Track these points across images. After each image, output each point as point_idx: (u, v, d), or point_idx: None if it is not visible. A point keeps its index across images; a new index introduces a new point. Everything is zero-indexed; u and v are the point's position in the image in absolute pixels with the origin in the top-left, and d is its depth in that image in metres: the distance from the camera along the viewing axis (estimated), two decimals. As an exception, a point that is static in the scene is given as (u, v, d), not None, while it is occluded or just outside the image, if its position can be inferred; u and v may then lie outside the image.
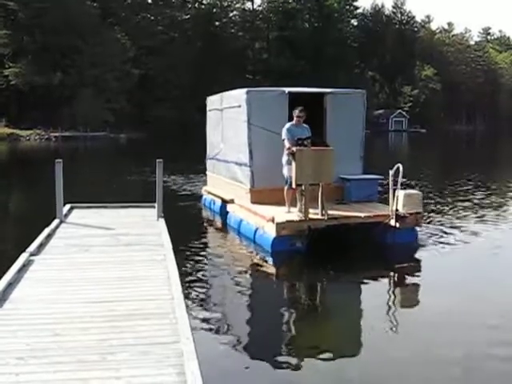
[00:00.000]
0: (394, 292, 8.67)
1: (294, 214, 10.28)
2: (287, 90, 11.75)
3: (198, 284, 8.50)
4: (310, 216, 10.04)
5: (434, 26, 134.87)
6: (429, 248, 10.64)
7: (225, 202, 13.05)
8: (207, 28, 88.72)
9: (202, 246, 11.16)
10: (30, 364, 4.26)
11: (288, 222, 9.95)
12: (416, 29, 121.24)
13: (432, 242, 11.03)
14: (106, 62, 69.08)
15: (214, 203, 14.20)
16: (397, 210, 10.20)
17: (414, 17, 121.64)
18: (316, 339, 6.61)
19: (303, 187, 9.99)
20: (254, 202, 11.52)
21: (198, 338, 5.77)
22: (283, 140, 10.43)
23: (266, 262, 9.76)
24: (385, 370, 5.79)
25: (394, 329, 7.02)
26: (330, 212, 10.26)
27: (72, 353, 4.45)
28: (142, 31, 79.34)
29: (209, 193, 14.93)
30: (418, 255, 10.26)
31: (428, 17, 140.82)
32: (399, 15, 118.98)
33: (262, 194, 11.43)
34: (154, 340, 4.72)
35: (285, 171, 10.57)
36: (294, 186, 10.08)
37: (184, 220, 13.91)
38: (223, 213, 13.07)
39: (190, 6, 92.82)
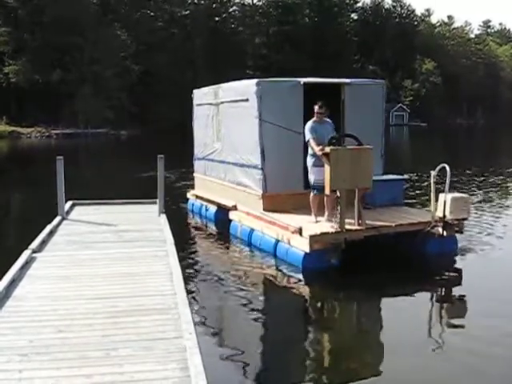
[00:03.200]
0: (439, 310, 7.68)
1: (326, 225, 8.99)
2: (302, 80, 10.52)
3: (200, 279, 8.51)
4: (346, 226, 8.75)
5: (434, 19, 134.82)
6: (471, 256, 9.66)
7: (223, 209, 11.71)
8: (207, 23, 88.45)
9: (202, 252, 10.52)
10: (34, 361, 4.27)
11: (322, 234, 8.62)
12: (416, 22, 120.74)
13: (473, 249, 10.00)
14: (106, 59, 68.93)
15: (206, 209, 12.81)
16: (444, 216, 9.06)
17: (413, 10, 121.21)
18: (348, 358, 6.10)
19: (338, 193, 8.66)
20: (266, 209, 10.19)
21: (200, 333, 5.80)
22: (307, 141, 9.26)
23: (292, 277, 8.59)
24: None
25: (437, 350, 6.18)
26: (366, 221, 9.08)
27: (75, 349, 4.46)
28: (142, 27, 79.14)
29: (198, 197, 13.49)
30: (461, 265, 9.27)
31: (428, 10, 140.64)
32: (399, 9, 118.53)
33: (276, 200, 10.16)
34: (156, 335, 4.73)
35: (311, 175, 9.38)
36: (327, 191, 8.69)
37: (185, 216, 13.84)
38: (220, 220, 11.85)
39: (189, 1, 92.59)
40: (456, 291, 8.18)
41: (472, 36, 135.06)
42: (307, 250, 8.52)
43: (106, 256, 7.42)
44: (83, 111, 64.74)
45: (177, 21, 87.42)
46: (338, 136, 9.20)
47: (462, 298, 7.95)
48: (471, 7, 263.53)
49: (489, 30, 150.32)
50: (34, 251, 7.44)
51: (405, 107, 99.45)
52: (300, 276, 8.55)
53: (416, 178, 19.28)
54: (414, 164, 26.48)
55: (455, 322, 7.14)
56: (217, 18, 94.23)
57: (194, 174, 14.18)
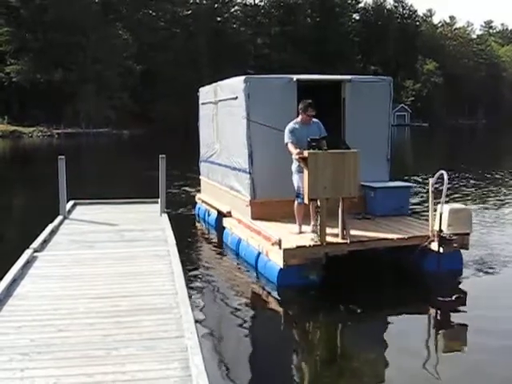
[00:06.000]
0: (435, 335, 6.66)
1: (307, 237, 8.09)
2: (295, 77, 9.56)
3: (201, 279, 8.51)
4: (328, 239, 7.80)
5: (435, 19, 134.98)
6: (479, 276, 8.39)
7: (221, 215, 10.90)
8: (209, 23, 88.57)
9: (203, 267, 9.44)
10: (35, 360, 4.27)
11: (299, 248, 7.69)
12: (418, 23, 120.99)
13: (483, 268, 8.71)
14: (108, 58, 69.16)
15: (208, 214, 11.97)
16: (440, 230, 7.92)
17: (415, 11, 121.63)
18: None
19: (318, 202, 7.79)
20: (255, 217, 9.31)
21: (201, 332, 5.81)
22: (286, 144, 8.34)
23: (272, 296, 7.67)
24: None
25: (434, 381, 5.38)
26: (353, 232, 8.10)
27: (77, 348, 4.46)
28: (144, 27, 79.32)
29: (203, 201, 12.60)
30: (464, 286, 8.05)
31: (430, 10, 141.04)
32: (401, 9, 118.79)
33: (266, 208, 9.27)
34: (158, 335, 4.73)
35: (295, 181, 8.45)
36: (306, 200, 7.87)
37: (191, 220, 13.62)
38: (219, 227, 10.88)
39: (191, 1, 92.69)
40: (455, 317, 6.98)
41: (474, 36, 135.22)
42: (281, 265, 7.60)
43: (107, 255, 7.42)
44: (85, 111, 64.89)
45: (179, 21, 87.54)
46: (319, 138, 8.03)
47: (461, 325, 6.80)
48: (473, 8, 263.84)
49: (491, 31, 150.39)
50: (35, 250, 7.45)
51: (406, 107, 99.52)
52: (276, 293, 7.68)
53: (426, 181, 17.98)
54: (418, 166, 25.70)
55: (449, 355, 6.11)
56: (219, 18, 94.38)
57: (200, 177, 13.38)
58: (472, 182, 19.83)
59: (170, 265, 6.82)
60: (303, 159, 7.75)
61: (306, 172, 7.69)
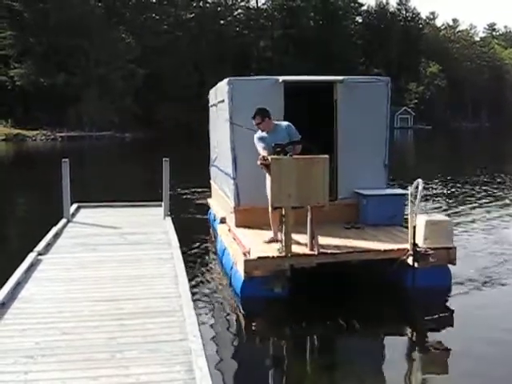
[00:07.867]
0: (410, 356, 6.05)
1: (276, 246, 7.54)
2: (281, 78, 9.00)
3: (204, 282, 8.51)
4: (295, 250, 7.29)
5: (438, 22, 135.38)
6: (467, 293, 7.65)
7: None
8: (212, 27, 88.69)
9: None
10: (39, 362, 4.29)
11: (261, 259, 7.19)
12: (421, 25, 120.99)
13: (474, 284, 7.96)
14: (111, 62, 69.19)
15: (214, 219, 11.26)
16: (415, 243, 7.30)
17: (418, 13, 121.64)
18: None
19: (283, 211, 7.25)
20: (239, 224, 8.81)
21: (205, 335, 5.80)
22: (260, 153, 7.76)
23: (238, 309, 7.26)
24: None
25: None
26: (326, 242, 7.61)
27: (81, 351, 4.47)
28: (147, 30, 79.41)
29: (212, 206, 12.19)
30: (449, 303, 7.39)
31: (433, 13, 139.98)
32: (404, 12, 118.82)
33: (250, 215, 8.68)
34: (162, 338, 4.74)
35: (268, 188, 7.77)
36: (270, 209, 7.47)
37: (190, 221, 13.54)
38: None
39: (194, 4, 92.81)
40: (433, 336, 6.35)
41: (477, 39, 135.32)
42: (242, 277, 7.20)
43: (111, 258, 7.44)
44: (88, 114, 64.95)
45: (182, 24, 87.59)
46: (286, 144, 7.53)
47: (441, 343, 6.05)
48: (476, 10, 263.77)
49: (494, 33, 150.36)
50: (39, 253, 7.48)
51: (409, 110, 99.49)
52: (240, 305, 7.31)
53: (427, 187, 17.18)
54: (421, 171, 24.83)
55: (429, 372, 5.68)
56: (222, 21, 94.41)
57: (210, 181, 12.83)
58: (477, 187, 19.52)
59: (174, 268, 6.84)
60: (266, 166, 7.29)
61: (269, 179, 7.27)
